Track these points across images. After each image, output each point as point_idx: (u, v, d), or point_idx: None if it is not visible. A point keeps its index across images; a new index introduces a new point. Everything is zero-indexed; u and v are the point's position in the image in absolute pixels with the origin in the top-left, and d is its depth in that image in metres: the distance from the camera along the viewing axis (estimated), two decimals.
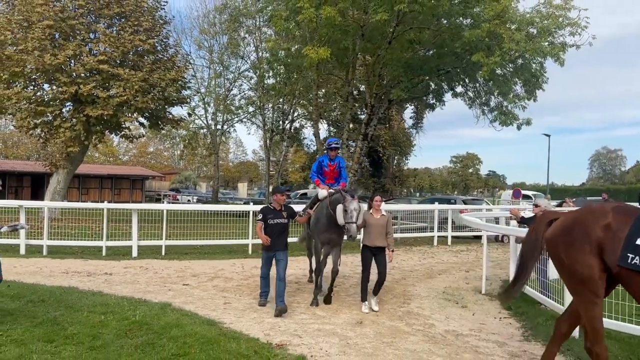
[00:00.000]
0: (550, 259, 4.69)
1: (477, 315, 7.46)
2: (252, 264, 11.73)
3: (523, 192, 42.07)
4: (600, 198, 25.06)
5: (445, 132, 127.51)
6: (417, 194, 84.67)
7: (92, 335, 5.76)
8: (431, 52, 18.11)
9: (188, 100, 24.50)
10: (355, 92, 20.44)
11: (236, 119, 36.67)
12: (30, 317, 6.40)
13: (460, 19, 15.90)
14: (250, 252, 13.62)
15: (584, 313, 4.25)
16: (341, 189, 7.81)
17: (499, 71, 17.66)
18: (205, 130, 36.69)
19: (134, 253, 12.68)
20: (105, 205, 13.08)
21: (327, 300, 7.77)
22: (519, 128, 18.04)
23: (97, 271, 10.32)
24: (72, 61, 19.27)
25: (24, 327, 5.95)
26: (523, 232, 7.92)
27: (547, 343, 4.79)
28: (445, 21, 16.42)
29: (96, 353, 5.21)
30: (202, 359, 5.17)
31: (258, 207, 14.63)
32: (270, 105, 31.41)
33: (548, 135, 36.90)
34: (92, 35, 20.00)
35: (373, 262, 7.50)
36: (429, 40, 17.68)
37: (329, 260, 7.84)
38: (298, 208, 9.05)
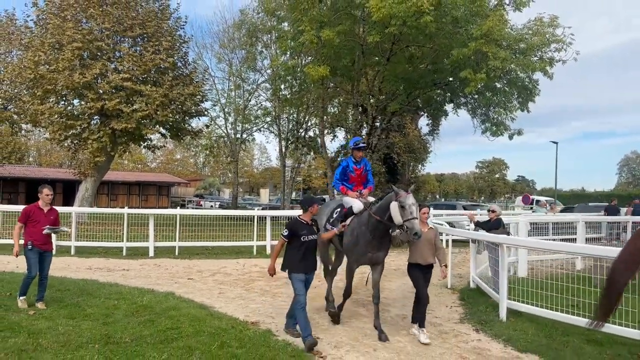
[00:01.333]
0: None
1: (432, 304, 8.68)
2: (252, 262, 13.20)
3: (536, 197, 42.90)
4: (607, 204, 24.28)
5: (471, 138, 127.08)
6: (442, 200, 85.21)
7: (105, 315, 7.19)
8: (429, 67, 19.29)
9: (206, 112, 26.13)
10: (362, 104, 21.70)
11: (255, 128, 38.33)
12: (57, 301, 7.88)
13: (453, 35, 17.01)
14: (254, 252, 15.04)
15: None
16: (368, 199, 7.16)
17: (498, 84, 18.83)
18: (225, 138, 38.41)
19: (151, 253, 14.23)
20: (125, 210, 14.70)
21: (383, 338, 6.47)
22: (510, 138, 19.17)
23: (116, 268, 11.87)
24: (99, 79, 21.10)
25: (52, 308, 7.43)
26: (478, 235, 9.14)
27: None
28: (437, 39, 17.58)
29: (107, 326, 6.62)
30: (189, 331, 6.53)
31: (264, 213, 16.26)
32: (285, 115, 32.94)
33: (556, 143, 37.51)
34: (116, 54, 21.82)
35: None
36: (427, 56, 18.90)
37: (370, 281, 6.96)
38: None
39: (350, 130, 32.00)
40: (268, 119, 33.76)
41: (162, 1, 23.73)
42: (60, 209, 16.16)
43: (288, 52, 20.71)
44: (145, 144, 23.58)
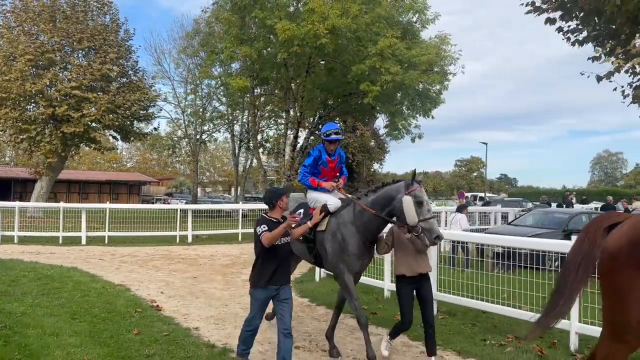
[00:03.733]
0: (600, 280, 3.31)
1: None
2: (167, 248, 15.64)
3: (479, 194, 46.02)
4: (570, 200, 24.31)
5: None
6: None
7: (13, 280, 9.54)
8: (342, 79, 21.90)
9: (154, 116, 28.43)
10: (287, 110, 24.26)
11: (214, 129, 40.67)
12: None
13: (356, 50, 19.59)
14: (177, 241, 17.45)
15: (607, 351, 3.24)
16: (349, 195, 5.94)
17: (401, 95, 21.48)
18: (186, 139, 40.67)
19: (83, 241, 16.55)
20: (61, 205, 17.02)
21: None
22: (413, 140, 21.85)
23: (45, 252, 14.21)
24: (50, 87, 23.33)
25: None
26: None
27: None
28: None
29: (10, 287, 8.98)
30: (69, 288, 8.93)
31: (186, 207, 18.74)
32: (238, 119, 35.38)
33: (485, 144, 40.43)
34: (66, 66, 24.06)
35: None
36: (339, 70, 21.50)
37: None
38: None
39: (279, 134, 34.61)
40: (219, 121, 36.03)
41: (112, 15, 25.96)
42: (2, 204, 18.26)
43: (217, 64, 23.18)
44: (96, 145, 25.79)
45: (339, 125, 6.39)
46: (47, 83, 22.78)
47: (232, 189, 73.06)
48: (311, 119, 24.32)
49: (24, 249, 14.90)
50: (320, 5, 17.25)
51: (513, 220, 16.04)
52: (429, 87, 20.66)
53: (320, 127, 26.91)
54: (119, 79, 25.07)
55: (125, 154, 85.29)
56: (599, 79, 10.55)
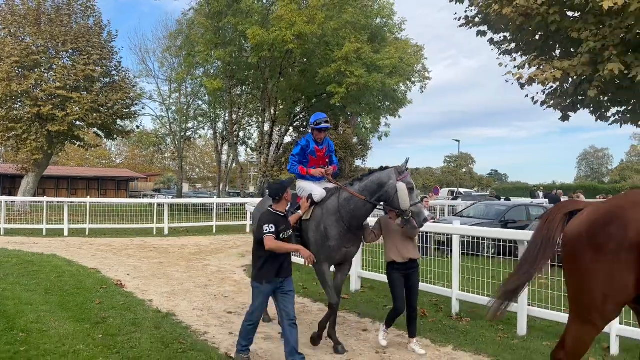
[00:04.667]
0: (563, 265, 3.47)
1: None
2: (142, 239, 16.87)
3: (460, 189, 47.45)
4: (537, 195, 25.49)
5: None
6: None
7: None
8: (313, 80, 23.22)
9: (136, 114, 29.58)
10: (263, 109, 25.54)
11: (199, 127, 41.86)
12: None
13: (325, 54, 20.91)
14: (154, 233, 18.69)
15: (575, 332, 3.36)
16: (336, 181, 6.04)
17: (371, 97, 22.85)
18: (170, 137, 41.80)
19: (66, 233, 17.75)
20: (45, 199, 18.22)
21: (316, 342, 5.71)
22: (379, 139, 23.30)
23: (29, 242, 15.40)
24: (35, 88, 24.45)
25: None
26: None
27: None
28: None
29: None
30: (47, 271, 10.17)
31: (162, 201, 19.97)
32: (220, 117, 36.60)
33: (458, 141, 41.80)
34: (51, 67, 25.18)
35: None
36: (310, 72, 22.82)
37: (337, 282, 5.88)
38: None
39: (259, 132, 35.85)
40: (202, 119, 37.21)
41: (96, 18, 27.10)
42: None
43: (194, 67, 24.47)
44: (80, 143, 26.96)
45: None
46: (33, 83, 23.90)
47: (221, 185, 74.66)
48: (287, 117, 25.59)
49: (9, 240, 16.06)
50: (288, 13, 18.53)
51: (460, 212, 17.43)
52: (394, 88, 21.99)
53: (294, 125, 28.39)
54: (102, 79, 26.21)
55: (114, 151, 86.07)
56: (522, 85, 11.88)
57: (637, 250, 3.00)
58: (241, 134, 38.22)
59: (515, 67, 12.03)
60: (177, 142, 41.85)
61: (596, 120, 10.79)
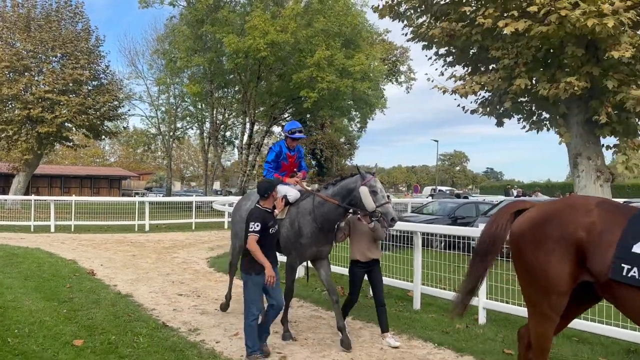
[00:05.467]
0: (513, 261, 3.78)
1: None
2: (123, 235, 18.08)
3: (439, 187, 48.88)
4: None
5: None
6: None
7: None
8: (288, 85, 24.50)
9: (123, 116, 30.79)
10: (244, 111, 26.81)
11: (187, 127, 43.08)
12: None
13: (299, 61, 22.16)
14: (136, 229, 19.91)
15: (535, 327, 3.63)
16: (306, 186, 6.59)
17: (348, 101, 24.13)
18: (159, 136, 42.99)
19: (52, 229, 18.95)
20: (32, 197, 19.43)
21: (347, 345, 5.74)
22: (356, 139, 24.54)
23: (16, 237, 16.59)
24: (25, 91, 25.63)
25: None
26: None
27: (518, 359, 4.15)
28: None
29: None
30: (29, 262, 11.37)
31: (144, 199, 21.21)
32: (208, 117, 37.83)
33: (436, 141, 43.14)
34: (40, 71, 26.36)
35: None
36: (287, 77, 24.09)
37: (323, 279, 6.16)
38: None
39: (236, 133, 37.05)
40: (190, 119, 38.42)
41: (84, 23, 28.28)
42: None
43: (175, 71, 25.74)
44: (69, 143, 28.19)
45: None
46: (23, 87, 25.07)
47: (214, 183, 75.88)
48: (266, 119, 26.88)
49: None
50: (261, 23, 19.77)
51: (418, 209, 18.70)
52: (367, 93, 23.25)
53: (272, 128, 29.69)
54: (90, 82, 27.39)
55: (108, 149, 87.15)
56: (445, 91, 12.87)
57: (570, 246, 3.35)
58: (228, 133, 39.52)
59: (447, 79, 13.17)
60: (166, 142, 43.08)
61: (522, 128, 12.06)
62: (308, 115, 27.66)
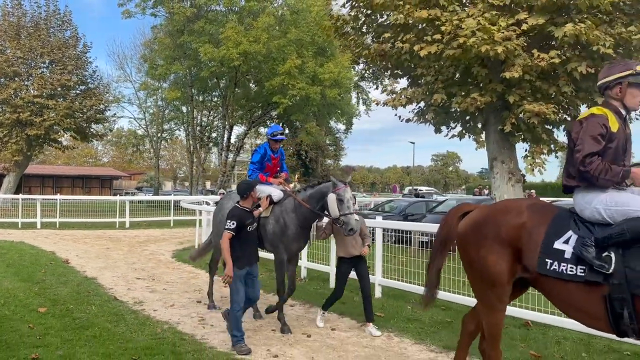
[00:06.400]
0: (460, 259, 4.13)
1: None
2: (103, 231, 19.54)
3: (419, 188, 50.54)
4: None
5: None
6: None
7: None
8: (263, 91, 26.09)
9: (108, 120, 32.26)
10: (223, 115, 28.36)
11: (175, 128, 44.56)
12: None
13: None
14: (117, 226, 21.37)
15: (485, 318, 3.95)
16: (289, 188, 7.00)
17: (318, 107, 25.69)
18: (147, 138, 44.45)
19: (38, 226, 20.40)
20: (20, 196, 20.89)
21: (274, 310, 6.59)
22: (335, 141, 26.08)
23: (3, 233, 18.04)
24: (15, 96, 27.11)
25: None
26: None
27: (458, 344, 4.40)
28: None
29: None
30: (12, 253, 12.83)
31: (124, 198, 22.70)
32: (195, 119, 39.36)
33: (413, 143, 44.67)
34: (29, 77, 27.84)
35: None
36: (262, 84, 25.67)
37: (289, 273, 6.60)
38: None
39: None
40: (177, 121, 39.91)
41: (72, 31, 29.79)
42: None
43: (156, 78, 27.32)
44: (57, 145, 29.71)
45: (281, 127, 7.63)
46: (13, 92, 26.57)
47: (207, 183, 77.35)
48: (245, 122, 28.47)
49: None
50: (234, 34, 21.30)
51: (377, 207, 20.25)
52: (335, 98, 24.81)
53: (250, 130, 31.21)
54: (77, 86, 28.88)
55: (101, 149, 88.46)
56: (378, 103, 14.22)
57: (505, 244, 3.71)
58: (214, 134, 41.02)
59: (380, 93, 14.60)
60: (154, 143, 44.53)
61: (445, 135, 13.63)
62: (279, 121, 29.26)
